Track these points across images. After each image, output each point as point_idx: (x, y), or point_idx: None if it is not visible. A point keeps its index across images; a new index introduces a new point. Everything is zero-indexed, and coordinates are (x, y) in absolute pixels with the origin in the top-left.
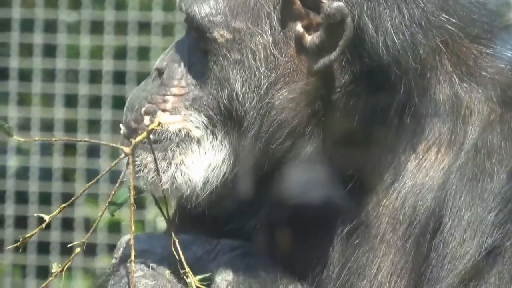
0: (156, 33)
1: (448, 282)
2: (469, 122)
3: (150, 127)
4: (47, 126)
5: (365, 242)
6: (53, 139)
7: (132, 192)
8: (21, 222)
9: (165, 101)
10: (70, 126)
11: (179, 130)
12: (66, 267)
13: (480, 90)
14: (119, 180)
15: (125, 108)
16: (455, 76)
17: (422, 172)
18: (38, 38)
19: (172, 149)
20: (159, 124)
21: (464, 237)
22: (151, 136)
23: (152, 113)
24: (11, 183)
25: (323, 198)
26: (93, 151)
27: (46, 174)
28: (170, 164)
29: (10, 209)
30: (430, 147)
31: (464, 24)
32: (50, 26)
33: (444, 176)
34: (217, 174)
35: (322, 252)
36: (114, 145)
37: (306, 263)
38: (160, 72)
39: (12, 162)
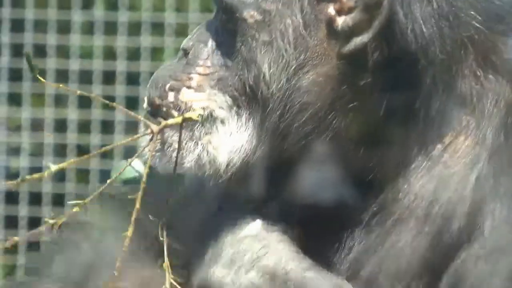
0: (169, 34)
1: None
2: (496, 114)
3: (186, 115)
4: (61, 127)
5: (382, 234)
6: (68, 89)
7: (147, 170)
8: (34, 224)
9: (190, 79)
10: (84, 127)
11: (203, 109)
12: (60, 222)
13: (505, 82)
14: (136, 155)
15: (148, 86)
16: (480, 69)
17: (446, 163)
18: (51, 39)
19: (198, 128)
20: (198, 115)
21: (498, 229)
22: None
23: (176, 90)
24: (24, 184)
25: (341, 188)
26: (106, 152)
27: (59, 175)
28: (197, 144)
29: (23, 211)
30: (456, 138)
31: (491, 21)
32: (63, 27)
33: (470, 168)
34: (240, 155)
35: (337, 242)
36: (144, 119)
37: (320, 252)
38: (185, 53)
39: (25, 163)
